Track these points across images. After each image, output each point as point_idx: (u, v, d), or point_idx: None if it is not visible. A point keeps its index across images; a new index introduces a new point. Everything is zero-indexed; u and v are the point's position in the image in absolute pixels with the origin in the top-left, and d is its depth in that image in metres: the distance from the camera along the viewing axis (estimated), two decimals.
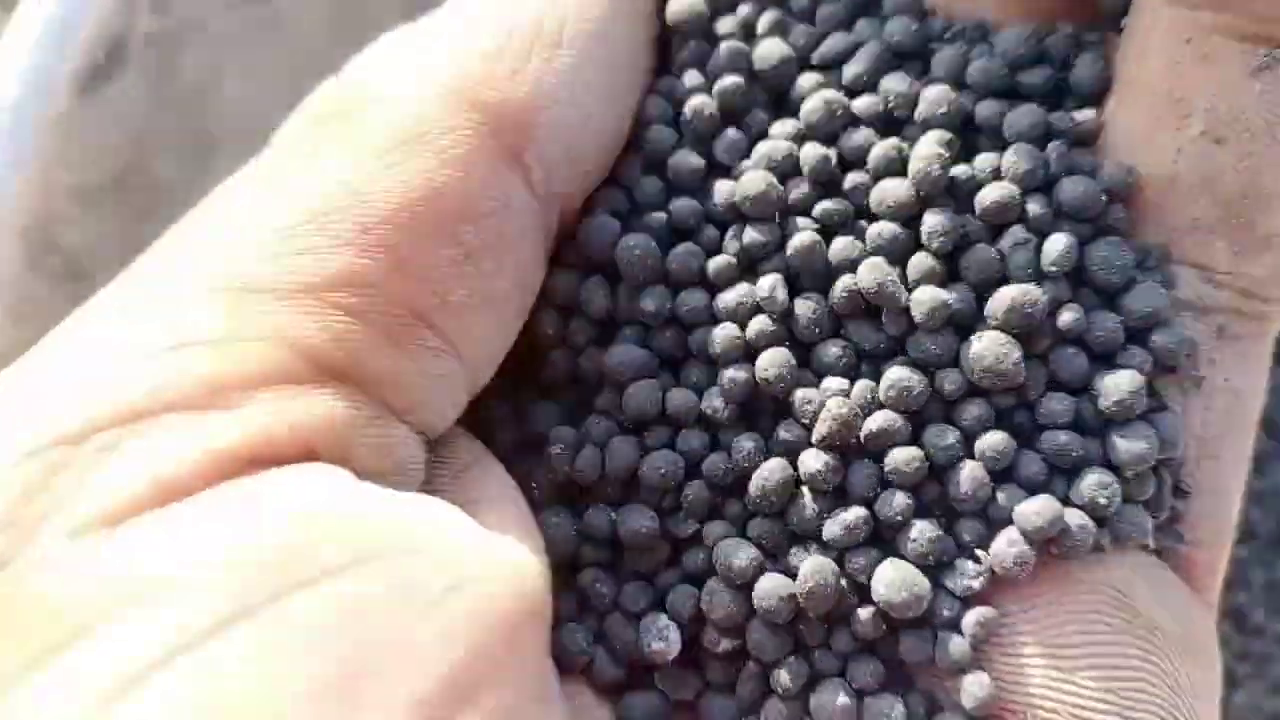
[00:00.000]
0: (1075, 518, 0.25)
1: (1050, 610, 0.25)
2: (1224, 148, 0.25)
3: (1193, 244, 0.26)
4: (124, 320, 0.22)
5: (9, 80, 0.37)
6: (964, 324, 0.26)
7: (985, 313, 0.25)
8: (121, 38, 0.39)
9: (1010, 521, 0.25)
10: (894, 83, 0.27)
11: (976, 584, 0.25)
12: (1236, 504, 0.27)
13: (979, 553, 0.25)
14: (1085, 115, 0.27)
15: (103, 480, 0.19)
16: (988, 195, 0.26)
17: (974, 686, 0.24)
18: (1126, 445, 0.25)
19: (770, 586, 0.25)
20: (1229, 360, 0.26)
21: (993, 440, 0.25)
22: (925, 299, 0.25)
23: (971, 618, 0.25)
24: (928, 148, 0.26)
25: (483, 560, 0.21)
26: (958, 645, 0.25)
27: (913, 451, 0.25)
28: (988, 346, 0.25)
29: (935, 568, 0.25)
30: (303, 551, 0.19)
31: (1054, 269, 0.25)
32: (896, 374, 0.25)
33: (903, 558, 0.25)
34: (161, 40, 0.40)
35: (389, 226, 0.23)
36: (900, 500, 0.25)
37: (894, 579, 0.24)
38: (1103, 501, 0.25)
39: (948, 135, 0.26)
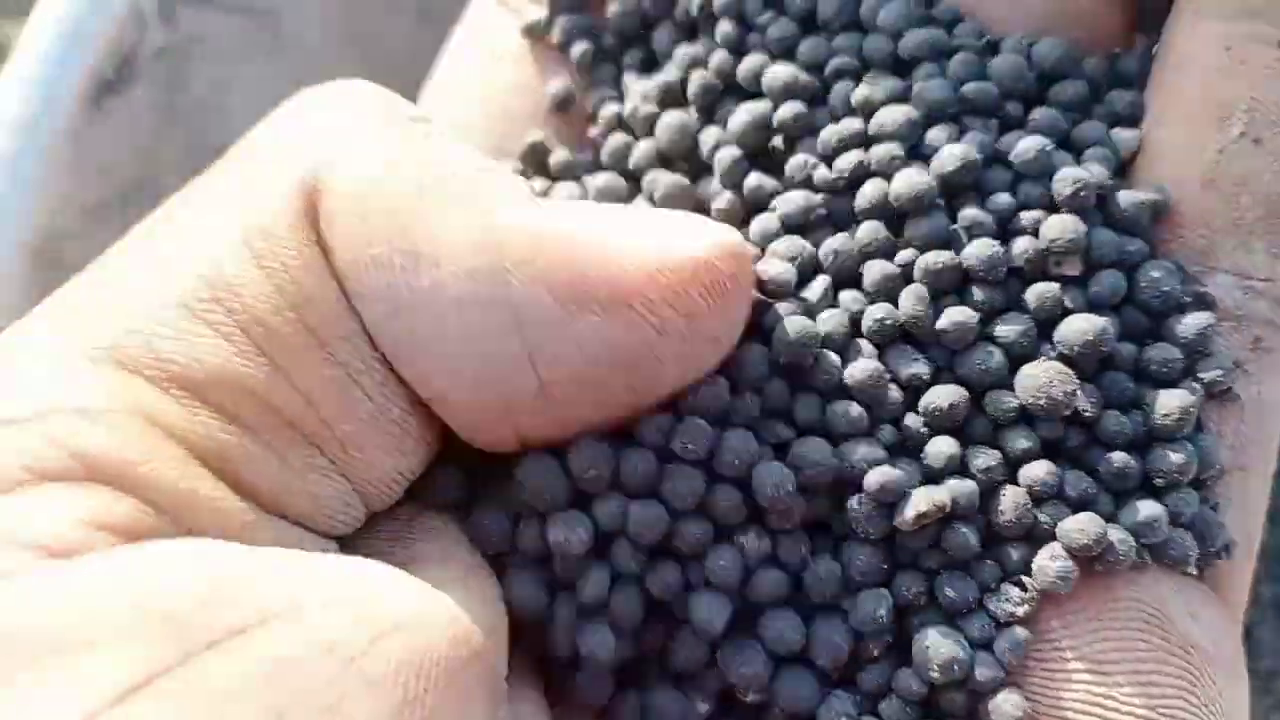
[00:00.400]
0: (1118, 534, 0.24)
1: (1089, 626, 0.25)
2: (1262, 148, 0.26)
3: (1233, 247, 0.27)
4: None
5: (18, 95, 0.37)
6: (1025, 354, 0.25)
7: (1055, 340, 0.25)
8: (131, 53, 0.39)
9: (1053, 537, 0.25)
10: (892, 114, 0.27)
11: (1020, 611, 0.25)
12: (1262, 516, 0.28)
13: (1025, 580, 0.25)
14: (1130, 135, 0.27)
15: None
16: (1059, 234, 0.25)
17: (1006, 705, 0.24)
18: (1168, 456, 0.25)
19: (749, 672, 0.24)
20: (1262, 372, 0.27)
21: (1038, 469, 0.25)
22: (956, 315, 0.25)
23: (1005, 642, 0.24)
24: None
25: (411, 609, 0.19)
26: (989, 666, 0.24)
27: (969, 484, 0.25)
28: (1044, 372, 0.25)
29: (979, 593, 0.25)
30: (210, 609, 0.17)
31: (1107, 301, 0.26)
32: (933, 395, 0.25)
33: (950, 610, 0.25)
34: (170, 55, 0.40)
35: (262, 329, 0.21)
36: (965, 534, 0.25)
37: (937, 653, 0.24)
38: (1146, 539, 0.25)
39: (963, 159, 0.26)
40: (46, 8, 0.38)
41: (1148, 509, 0.25)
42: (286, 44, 0.43)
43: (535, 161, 0.31)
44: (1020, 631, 0.24)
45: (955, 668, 0.24)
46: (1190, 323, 0.26)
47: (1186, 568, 0.25)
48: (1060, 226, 0.26)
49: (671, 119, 0.29)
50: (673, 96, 0.30)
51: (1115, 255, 0.26)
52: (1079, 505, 0.25)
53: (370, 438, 0.22)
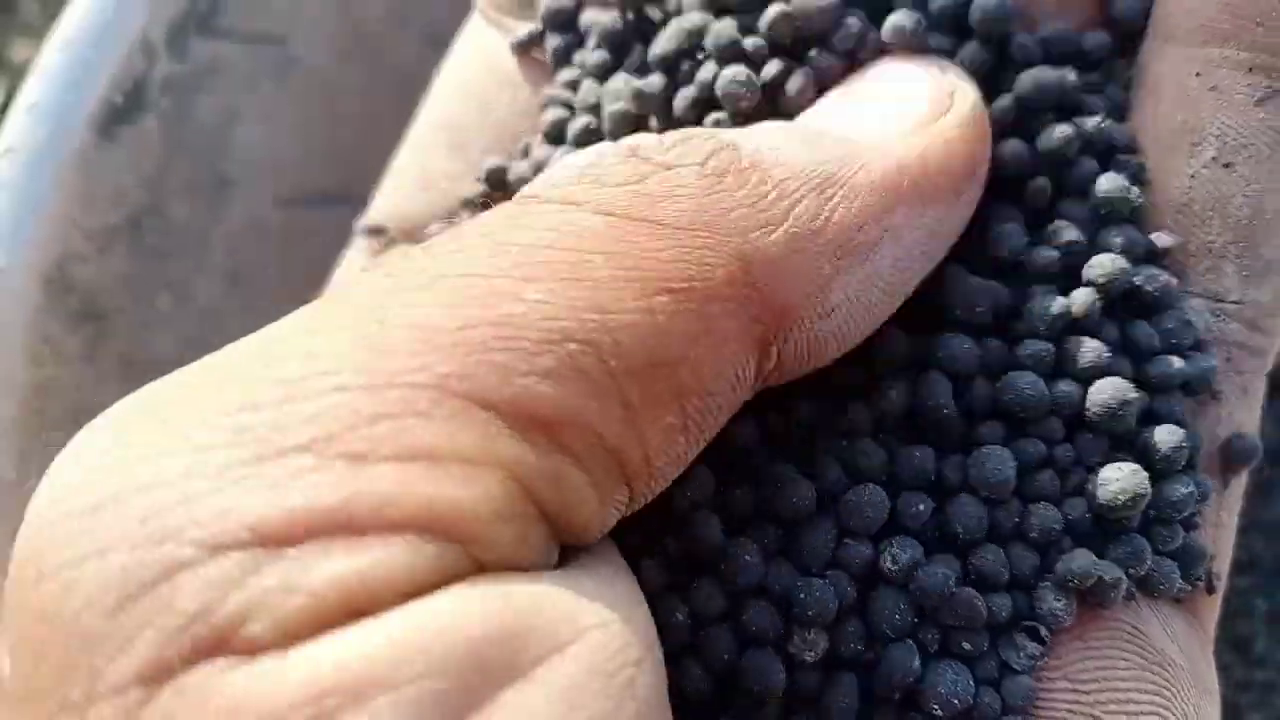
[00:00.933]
0: (1111, 571, 0.24)
1: (1072, 646, 0.25)
2: (1233, 172, 0.26)
3: (1205, 270, 0.27)
4: (338, 409, 0.18)
5: (30, 122, 0.38)
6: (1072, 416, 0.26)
7: (1088, 410, 0.25)
8: (140, 82, 0.40)
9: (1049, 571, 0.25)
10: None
11: (1041, 661, 0.25)
12: (1233, 534, 0.28)
13: (1040, 629, 0.25)
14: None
15: (307, 586, 0.17)
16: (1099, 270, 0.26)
17: None
18: (1168, 490, 0.25)
19: None
20: (1232, 395, 0.27)
21: (1044, 516, 0.25)
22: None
23: (1015, 694, 0.24)
24: None
25: (650, 631, 0.20)
26: (993, 700, 0.24)
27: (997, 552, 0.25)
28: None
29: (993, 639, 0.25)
30: (513, 643, 0.17)
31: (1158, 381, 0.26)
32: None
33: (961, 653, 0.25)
34: (179, 85, 0.41)
35: (630, 376, 0.20)
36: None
37: (952, 691, 0.24)
38: (1134, 571, 0.25)
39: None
40: (58, 37, 0.39)
41: (1133, 542, 0.25)
42: (294, 70, 0.44)
43: (496, 181, 0.31)
44: (1026, 681, 0.24)
45: (957, 702, 0.24)
46: (1193, 362, 0.26)
47: (1172, 595, 0.26)
48: (1106, 265, 0.26)
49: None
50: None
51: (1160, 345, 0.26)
52: (1078, 542, 0.25)
53: (668, 475, 0.22)
